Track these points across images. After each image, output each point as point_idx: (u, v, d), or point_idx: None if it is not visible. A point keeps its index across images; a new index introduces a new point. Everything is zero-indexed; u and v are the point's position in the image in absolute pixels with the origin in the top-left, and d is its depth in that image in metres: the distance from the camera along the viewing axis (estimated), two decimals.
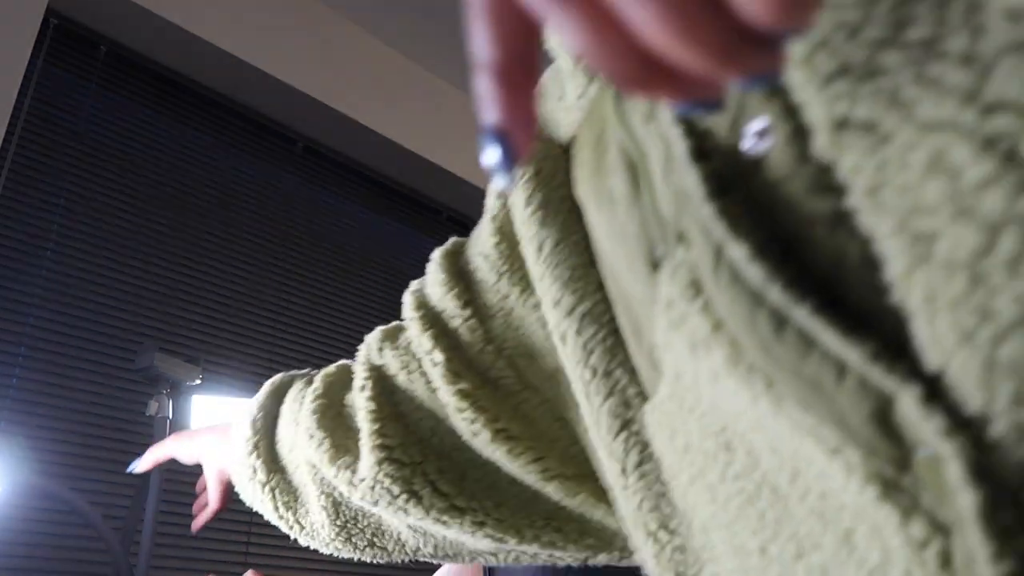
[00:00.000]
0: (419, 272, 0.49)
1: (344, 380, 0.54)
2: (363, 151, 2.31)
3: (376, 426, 0.48)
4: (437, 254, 0.48)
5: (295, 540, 0.60)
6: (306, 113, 2.16)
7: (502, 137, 0.18)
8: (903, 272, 0.19)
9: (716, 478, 0.26)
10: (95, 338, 1.65)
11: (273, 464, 0.58)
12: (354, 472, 0.49)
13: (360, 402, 0.50)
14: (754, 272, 0.22)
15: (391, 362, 0.49)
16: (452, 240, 0.48)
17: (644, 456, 0.31)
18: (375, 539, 0.55)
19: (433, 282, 0.47)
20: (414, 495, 0.47)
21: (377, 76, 2.32)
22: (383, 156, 2.34)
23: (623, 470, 0.32)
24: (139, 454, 0.76)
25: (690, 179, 0.25)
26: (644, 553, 0.31)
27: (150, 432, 0.97)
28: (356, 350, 0.54)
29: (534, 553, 0.49)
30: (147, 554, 0.90)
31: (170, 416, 0.99)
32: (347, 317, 2.16)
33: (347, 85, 2.20)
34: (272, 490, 0.58)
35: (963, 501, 0.17)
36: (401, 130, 2.30)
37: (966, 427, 0.18)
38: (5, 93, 1.58)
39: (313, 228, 2.16)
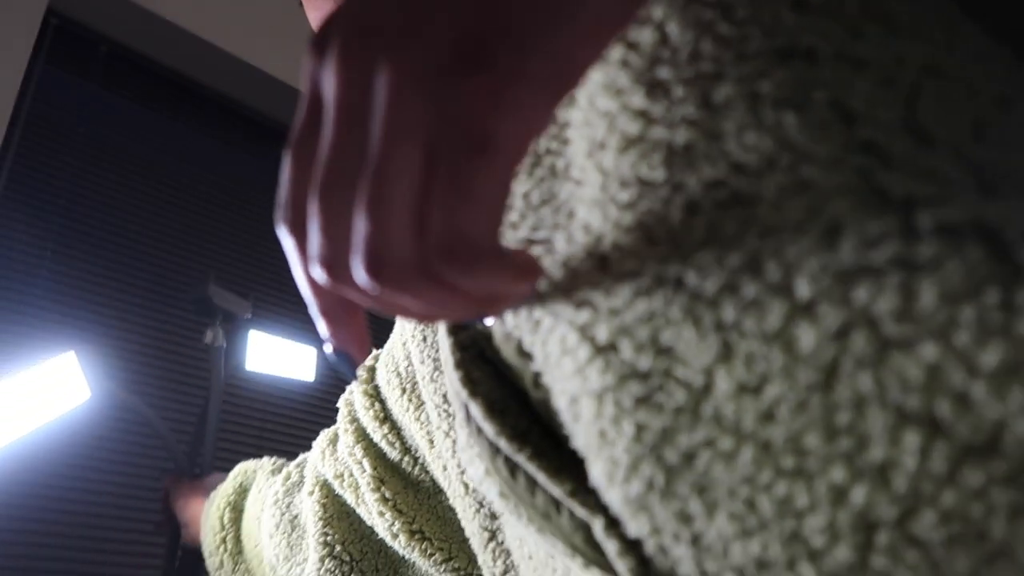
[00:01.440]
0: None
1: (299, 482, 0.59)
2: None
3: (320, 525, 0.53)
4: (361, 369, 0.52)
5: None
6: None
7: (338, 353, 0.25)
8: (569, 425, 0.24)
9: None
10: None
11: (239, 556, 0.64)
12: (301, 568, 0.55)
13: (308, 504, 0.54)
14: (487, 427, 0.27)
15: (330, 470, 0.54)
16: (373, 354, 0.53)
17: (508, 564, 0.34)
18: None
19: (358, 396, 0.52)
20: None
21: None
22: None
23: None
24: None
25: (444, 349, 0.30)
26: None
27: (208, 359, 1.06)
28: None
29: None
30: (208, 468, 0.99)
31: (224, 346, 1.05)
32: None
33: None
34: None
35: None
36: None
37: (634, 547, 0.22)
38: (5, 93, 1.58)
39: None
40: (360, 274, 0.19)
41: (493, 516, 0.35)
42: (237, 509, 0.66)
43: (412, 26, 0.18)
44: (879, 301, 0.18)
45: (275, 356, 1.14)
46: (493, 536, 0.35)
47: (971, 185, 0.19)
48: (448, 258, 0.19)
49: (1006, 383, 0.16)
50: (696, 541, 0.20)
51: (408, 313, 0.22)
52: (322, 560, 0.52)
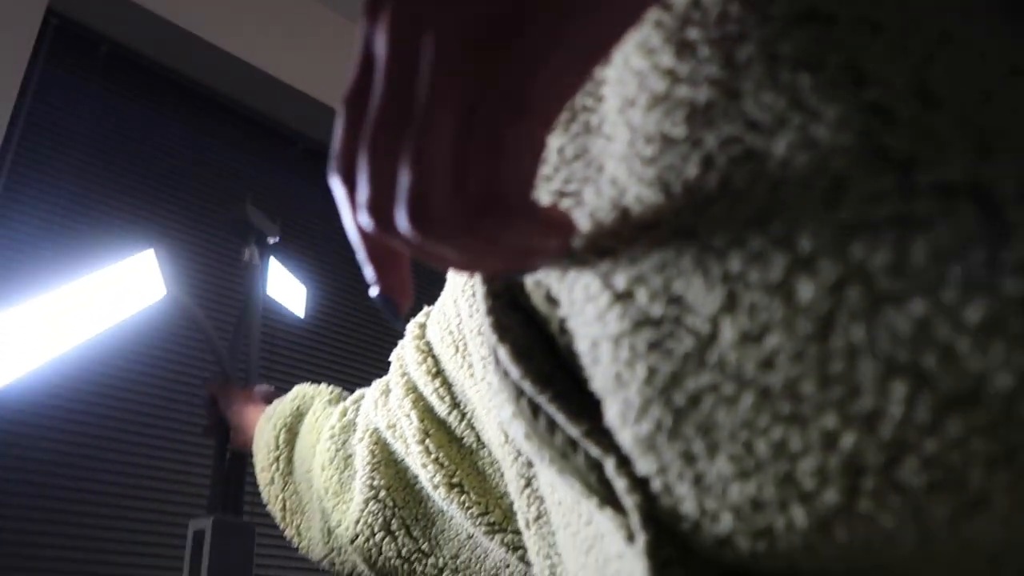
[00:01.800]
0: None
1: (354, 421, 0.62)
2: None
3: (368, 470, 0.56)
4: (411, 325, 0.55)
5: None
6: (306, 113, 2.16)
7: (383, 297, 0.26)
8: (589, 368, 0.25)
9: (575, 528, 0.30)
10: None
11: (289, 477, 0.67)
12: (347, 507, 0.58)
13: (359, 449, 0.58)
14: (513, 369, 0.28)
15: (381, 420, 0.56)
16: (424, 310, 0.55)
17: (541, 510, 0.35)
18: (352, 572, 0.63)
19: (409, 351, 0.54)
20: (390, 534, 0.55)
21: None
22: None
23: (527, 523, 0.36)
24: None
25: (479, 297, 0.32)
26: None
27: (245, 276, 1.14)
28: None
29: None
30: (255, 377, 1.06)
31: (259, 264, 1.13)
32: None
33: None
34: (284, 500, 0.67)
35: (639, 539, 0.23)
36: None
37: (642, 485, 0.23)
38: (5, 93, 1.58)
39: (312, 227, 2.16)
40: (403, 223, 0.21)
41: (529, 464, 0.36)
42: (292, 432, 0.69)
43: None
44: (874, 257, 0.19)
45: (281, 286, 1.19)
46: (528, 483, 0.36)
47: (971, 148, 0.19)
48: (484, 212, 0.21)
49: (989, 338, 0.17)
50: (698, 480, 0.21)
51: (447, 263, 0.23)
52: (366, 502, 0.55)
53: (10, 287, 1.58)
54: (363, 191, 0.22)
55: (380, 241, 0.26)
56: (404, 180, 0.20)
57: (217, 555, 0.86)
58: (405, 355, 0.55)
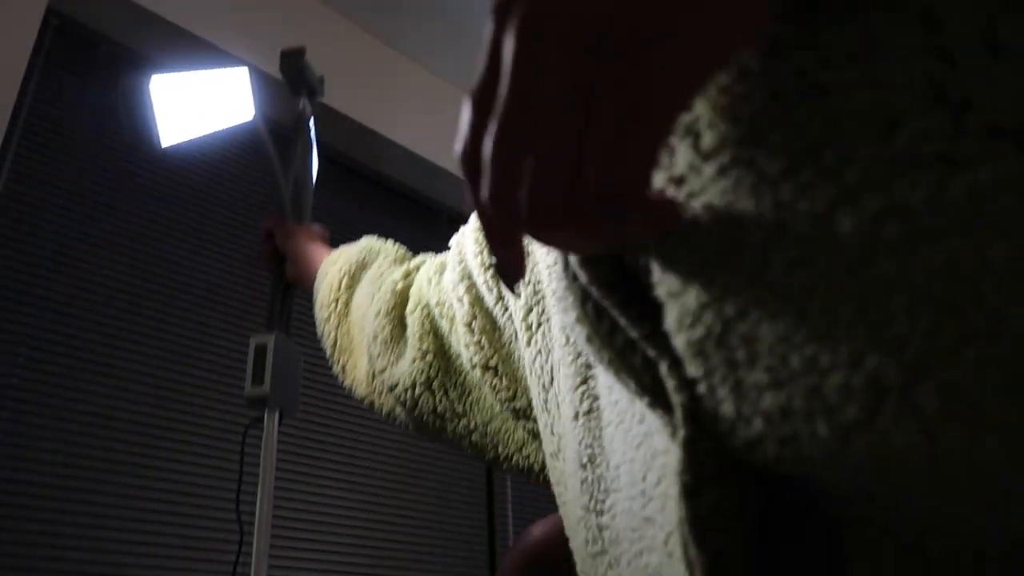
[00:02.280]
0: None
1: (409, 287, 0.68)
2: (363, 152, 2.31)
3: (418, 336, 0.62)
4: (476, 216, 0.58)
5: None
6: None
7: (502, 267, 0.28)
8: (656, 275, 0.27)
9: (627, 425, 0.32)
10: None
11: (345, 319, 0.74)
12: (398, 359, 0.64)
13: (411, 319, 0.64)
14: (582, 274, 0.30)
15: (432, 297, 0.62)
16: None
17: (593, 406, 0.37)
18: (389, 415, 0.69)
19: (468, 241, 0.58)
20: (429, 391, 0.60)
21: (378, 76, 2.32)
22: (386, 157, 2.34)
23: (575, 415, 0.38)
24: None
25: None
26: (572, 480, 0.38)
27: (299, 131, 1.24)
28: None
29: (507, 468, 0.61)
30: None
31: (311, 115, 1.24)
32: None
33: (348, 86, 2.20)
34: (337, 338, 0.74)
35: (679, 433, 0.25)
36: (404, 132, 2.30)
37: (689, 386, 0.25)
38: (5, 93, 1.58)
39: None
40: (523, 212, 0.23)
41: (588, 366, 0.38)
42: (354, 279, 0.77)
43: (581, 2, 0.21)
44: (915, 192, 0.20)
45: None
46: (585, 381, 0.38)
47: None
48: (600, 211, 0.23)
49: (1011, 276, 0.18)
50: (737, 386, 0.23)
51: (561, 245, 0.26)
52: (413, 360, 0.62)
53: (10, 287, 1.57)
54: (488, 182, 0.24)
55: (501, 223, 0.27)
56: (525, 173, 0.23)
57: (276, 366, 1.04)
58: (465, 243, 0.59)
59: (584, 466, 0.36)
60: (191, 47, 1.93)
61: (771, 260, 0.22)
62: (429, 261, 0.67)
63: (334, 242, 1.01)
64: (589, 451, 0.36)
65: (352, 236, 0.92)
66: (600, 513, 0.34)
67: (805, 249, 0.22)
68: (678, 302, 0.25)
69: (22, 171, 1.65)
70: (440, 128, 2.42)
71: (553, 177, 0.22)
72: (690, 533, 0.24)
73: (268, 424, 1.05)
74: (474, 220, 0.58)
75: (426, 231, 2.48)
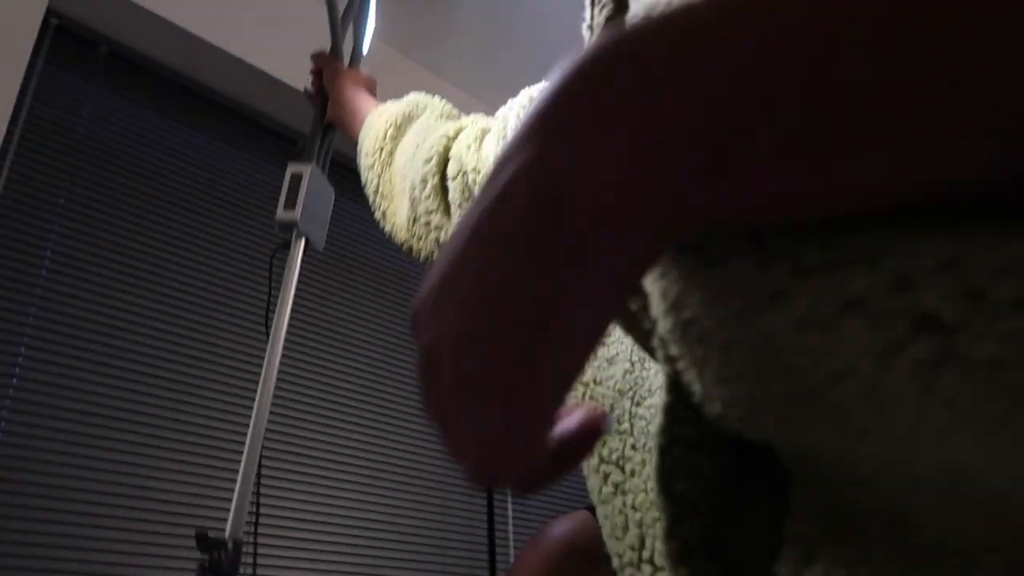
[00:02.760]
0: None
1: (451, 150, 0.69)
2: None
3: (460, 201, 0.64)
4: (524, 92, 0.59)
5: None
6: (306, 113, 2.16)
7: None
8: None
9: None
10: None
11: (388, 168, 0.78)
12: (434, 207, 0.66)
13: (456, 180, 0.65)
14: None
15: (470, 162, 0.63)
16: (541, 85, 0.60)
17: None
18: (428, 259, 0.72)
19: (513, 116, 0.59)
20: None
21: (377, 76, 2.32)
22: None
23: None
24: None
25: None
26: (618, 368, 0.39)
27: None
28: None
29: None
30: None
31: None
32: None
33: None
34: (379, 185, 0.78)
35: (662, 398, 0.27)
36: None
37: (671, 361, 0.26)
38: (5, 93, 1.58)
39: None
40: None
41: None
42: (400, 130, 0.80)
43: (446, 321, 0.23)
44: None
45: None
46: None
47: None
48: (514, 475, 0.25)
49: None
50: (699, 376, 0.24)
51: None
52: (452, 213, 0.65)
53: (11, 287, 1.58)
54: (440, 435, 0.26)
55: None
56: (452, 440, 0.25)
57: (308, 196, 1.14)
58: (510, 116, 0.60)
59: (633, 363, 0.38)
60: (191, 47, 1.93)
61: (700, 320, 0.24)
62: (471, 125, 0.69)
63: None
64: (640, 353, 0.38)
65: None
66: (638, 404, 0.36)
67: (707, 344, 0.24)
68: (656, 292, 0.26)
69: (22, 171, 1.65)
70: None
71: (468, 448, 0.24)
72: (658, 482, 0.26)
73: (294, 249, 1.14)
74: (521, 95, 0.60)
75: None
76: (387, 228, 0.78)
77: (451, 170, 0.66)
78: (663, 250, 0.21)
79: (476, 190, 0.62)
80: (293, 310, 1.16)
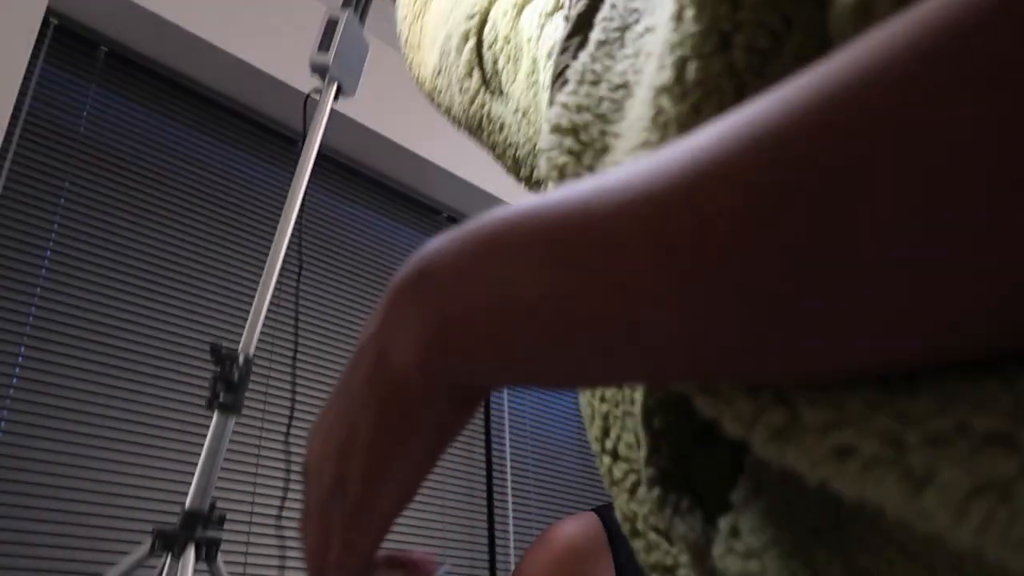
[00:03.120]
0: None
1: (490, 11, 0.70)
2: (363, 152, 2.31)
3: (492, 72, 0.65)
4: None
5: None
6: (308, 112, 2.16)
7: None
8: None
9: None
10: None
11: (421, 19, 0.79)
12: (458, 63, 0.68)
13: (492, 49, 0.66)
14: None
15: (503, 30, 0.64)
16: None
17: None
18: (447, 110, 0.73)
19: None
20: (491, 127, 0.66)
21: (377, 76, 2.32)
22: (386, 158, 2.34)
23: None
24: None
25: None
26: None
27: None
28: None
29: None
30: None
31: None
32: (357, 317, 2.16)
33: None
34: (410, 35, 0.79)
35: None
36: (404, 132, 2.30)
37: None
38: (5, 93, 1.58)
39: (311, 229, 2.16)
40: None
41: None
42: None
43: (318, 464, 0.30)
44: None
45: None
46: None
47: None
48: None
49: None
50: None
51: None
52: (478, 93, 0.66)
53: (11, 287, 1.58)
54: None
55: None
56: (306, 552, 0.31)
57: (343, 42, 1.17)
58: None
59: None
60: (191, 47, 1.93)
61: None
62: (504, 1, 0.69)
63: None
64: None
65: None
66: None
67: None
68: None
69: (22, 171, 1.65)
70: (441, 128, 2.42)
71: (313, 560, 0.30)
72: (641, 418, 0.30)
73: (325, 94, 1.17)
74: None
75: (426, 231, 2.48)
76: (414, 74, 0.79)
77: (487, 35, 0.66)
78: (478, 397, 0.27)
79: (501, 61, 0.64)
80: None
